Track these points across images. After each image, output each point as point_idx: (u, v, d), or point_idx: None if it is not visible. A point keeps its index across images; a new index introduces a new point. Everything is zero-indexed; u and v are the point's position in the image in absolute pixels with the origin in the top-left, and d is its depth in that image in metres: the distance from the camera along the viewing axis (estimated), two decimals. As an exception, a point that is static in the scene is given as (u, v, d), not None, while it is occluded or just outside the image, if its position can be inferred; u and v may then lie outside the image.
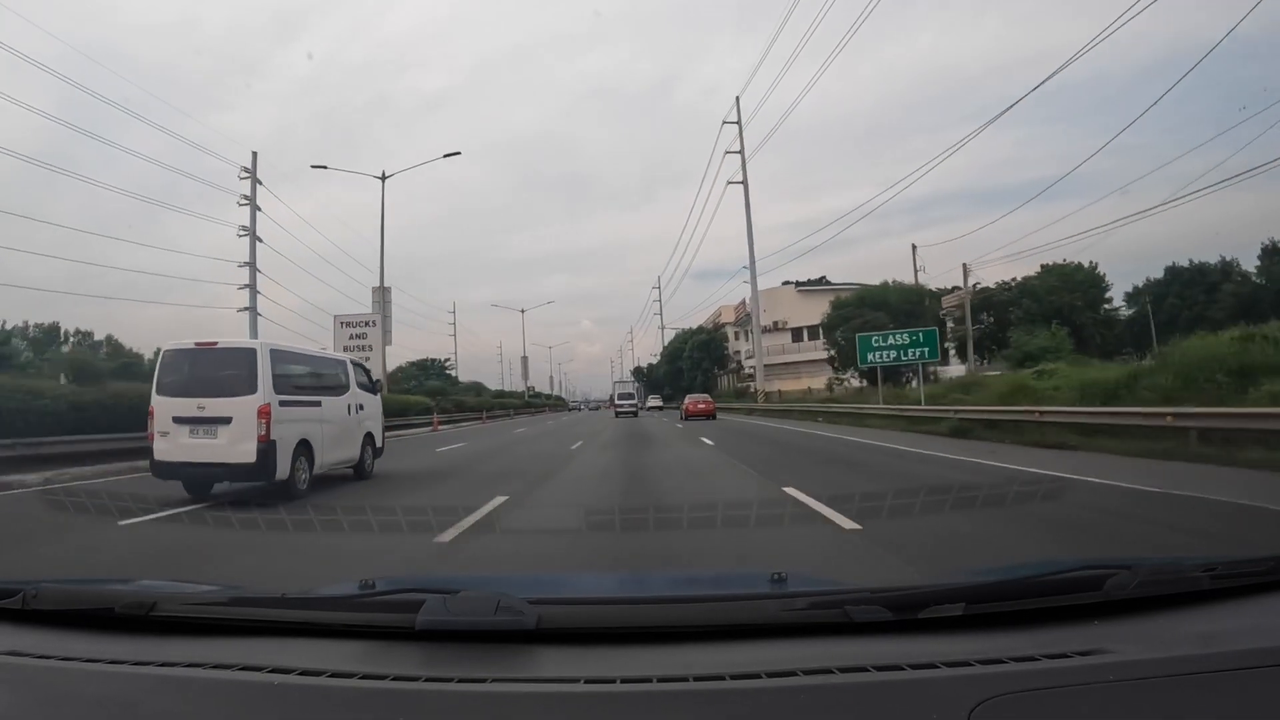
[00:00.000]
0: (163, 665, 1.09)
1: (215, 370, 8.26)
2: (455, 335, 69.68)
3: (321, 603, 1.30)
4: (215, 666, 1.07)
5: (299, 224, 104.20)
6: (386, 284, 28.43)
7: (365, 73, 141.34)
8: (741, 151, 38.13)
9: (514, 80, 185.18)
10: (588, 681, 1.00)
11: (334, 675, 1.03)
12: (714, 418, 32.30)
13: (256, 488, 7.98)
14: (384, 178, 25.32)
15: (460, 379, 65.05)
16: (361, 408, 10.71)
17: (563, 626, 1.16)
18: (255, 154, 28.05)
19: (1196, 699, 0.90)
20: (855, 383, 40.05)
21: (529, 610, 1.15)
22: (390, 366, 41.15)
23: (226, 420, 7.77)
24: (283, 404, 8.27)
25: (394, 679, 1.01)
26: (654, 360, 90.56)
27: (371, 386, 11.72)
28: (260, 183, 28.63)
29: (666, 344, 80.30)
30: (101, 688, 1.05)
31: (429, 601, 1.18)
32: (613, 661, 1.08)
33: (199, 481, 8.31)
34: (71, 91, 65.93)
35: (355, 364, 11.36)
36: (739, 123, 38.86)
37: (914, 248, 40.34)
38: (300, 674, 1.04)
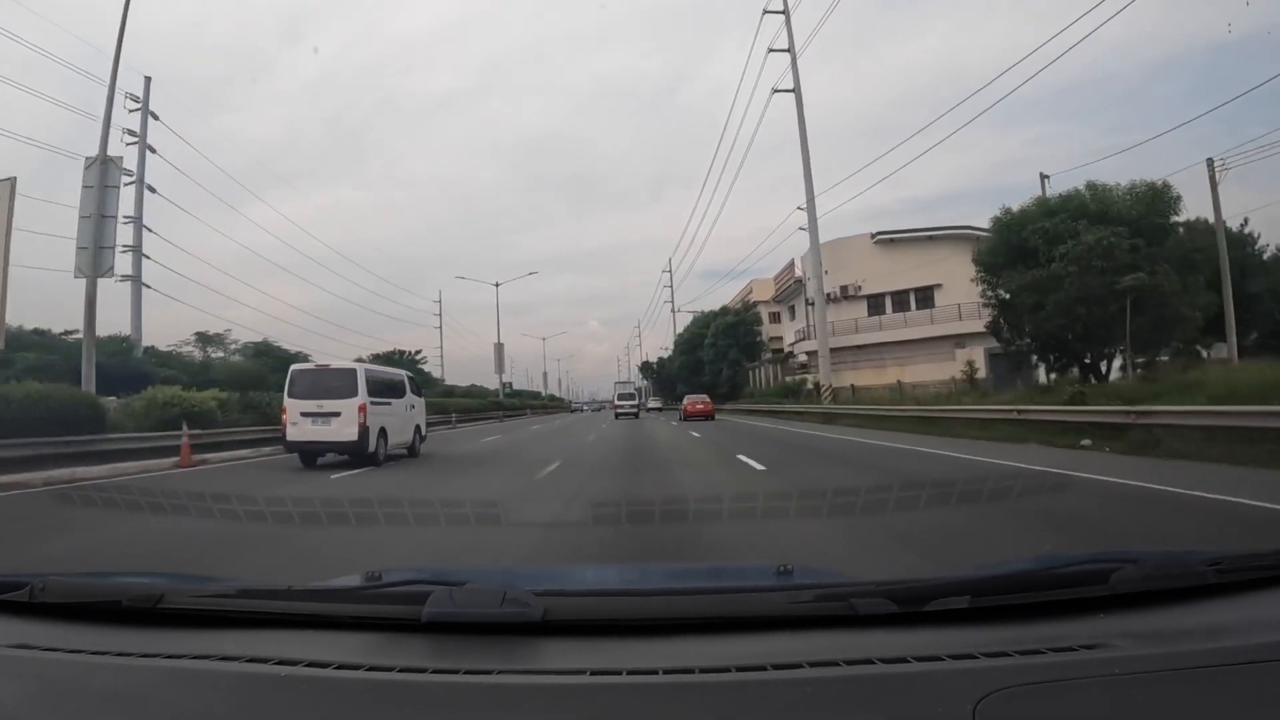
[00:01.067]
0: (170, 657, 1.03)
1: (329, 382, 11.66)
2: (441, 327, 55.36)
3: (328, 595, 1.25)
4: (222, 659, 1.02)
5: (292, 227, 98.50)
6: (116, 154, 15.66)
7: (372, 73, 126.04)
8: (791, 49, 26.24)
9: (521, 80, 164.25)
10: (594, 673, 0.94)
11: (341, 667, 0.98)
12: (712, 418, 27.49)
13: (353, 459, 11.50)
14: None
15: (448, 378, 53.03)
16: (413, 407, 13.95)
17: (569, 618, 1.09)
18: (149, 79, 21.51)
19: (1202, 694, 0.85)
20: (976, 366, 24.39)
21: (535, 602, 1.07)
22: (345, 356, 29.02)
23: (337, 414, 11.10)
24: (372, 404, 11.57)
25: (401, 670, 0.96)
26: (665, 354, 67.26)
27: (419, 390, 15.00)
28: (155, 116, 20.70)
29: (681, 332, 58.16)
30: (109, 680, 1.00)
31: (435, 593, 1.10)
32: (619, 653, 1.02)
33: (313, 454, 11.57)
34: (78, 92, 62.69)
35: (409, 376, 14.82)
36: (785, 11, 26.53)
37: (1043, 178, 23.33)
38: (307, 666, 0.98)
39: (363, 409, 11.26)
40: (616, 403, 41.04)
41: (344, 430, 11.17)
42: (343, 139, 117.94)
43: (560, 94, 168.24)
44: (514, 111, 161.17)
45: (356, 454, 11.31)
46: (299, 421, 11.37)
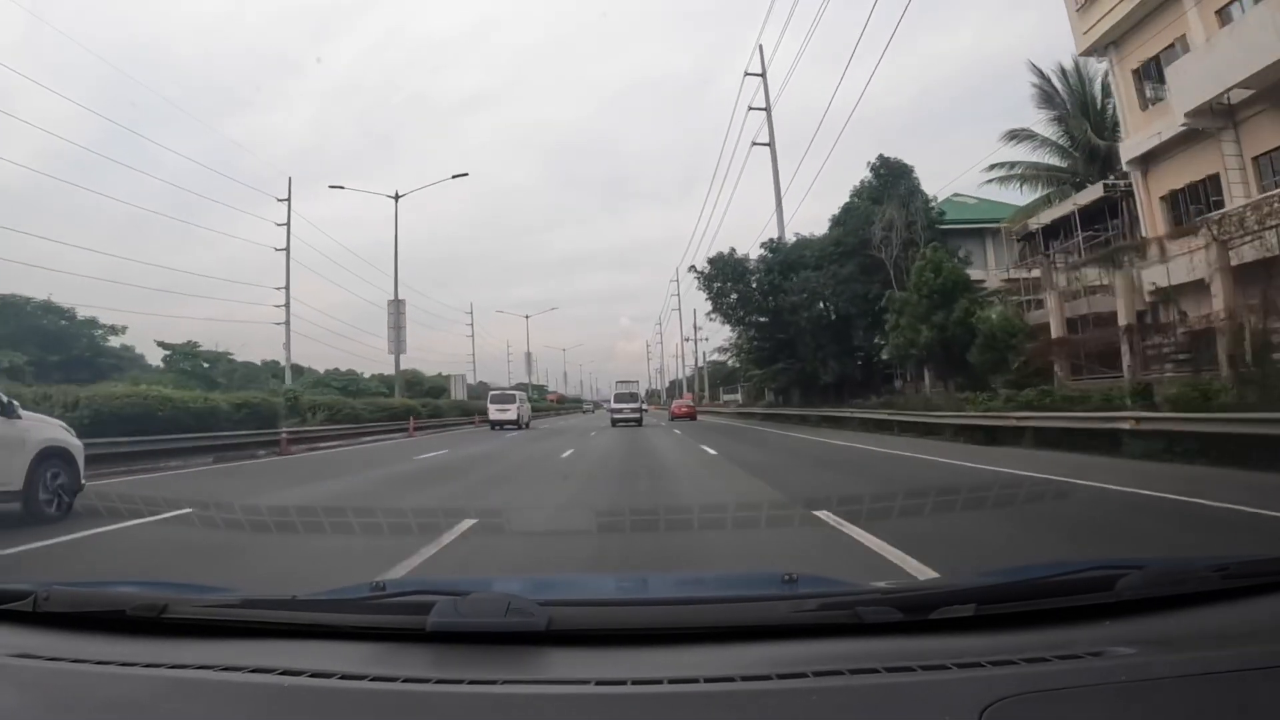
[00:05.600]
0: (174, 667, 0.99)
1: (505, 396, 29.02)
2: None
3: (332, 605, 1.17)
4: (226, 669, 0.96)
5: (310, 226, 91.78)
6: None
7: (400, 73, 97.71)
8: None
9: (550, 78, 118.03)
10: (598, 683, 0.93)
11: (345, 677, 0.96)
12: (694, 418, 25.13)
13: (515, 430, 23.65)
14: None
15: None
16: (530, 405, 28.27)
17: (573, 628, 1.04)
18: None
19: (1208, 700, 0.83)
20: None
21: (539, 612, 1.01)
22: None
23: (510, 409, 25.91)
24: (521, 402, 27.40)
25: (405, 681, 0.95)
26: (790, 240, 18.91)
27: (528, 396, 29.94)
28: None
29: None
30: (113, 689, 0.97)
31: (439, 603, 1.04)
32: (623, 663, 0.98)
33: (497, 425, 24.65)
34: (101, 92, 47.45)
35: (528, 390, 37.99)
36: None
37: None
38: (311, 676, 0.95)
39: (521, 408, 20.08)
40: (614, 405, 28.63)
41: (512, 415, 20.50)
42: (372, 140, 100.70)
43: (589, 91, 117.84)
44: (543, 109, 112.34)
45: (517, 426, 19.41)
46: (494, 413, 20.37)
